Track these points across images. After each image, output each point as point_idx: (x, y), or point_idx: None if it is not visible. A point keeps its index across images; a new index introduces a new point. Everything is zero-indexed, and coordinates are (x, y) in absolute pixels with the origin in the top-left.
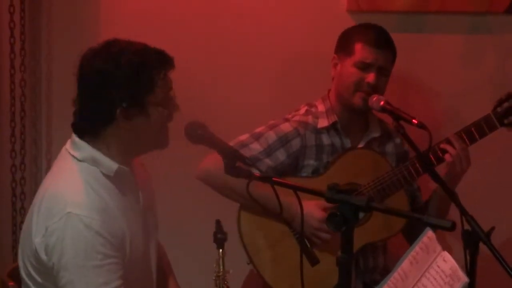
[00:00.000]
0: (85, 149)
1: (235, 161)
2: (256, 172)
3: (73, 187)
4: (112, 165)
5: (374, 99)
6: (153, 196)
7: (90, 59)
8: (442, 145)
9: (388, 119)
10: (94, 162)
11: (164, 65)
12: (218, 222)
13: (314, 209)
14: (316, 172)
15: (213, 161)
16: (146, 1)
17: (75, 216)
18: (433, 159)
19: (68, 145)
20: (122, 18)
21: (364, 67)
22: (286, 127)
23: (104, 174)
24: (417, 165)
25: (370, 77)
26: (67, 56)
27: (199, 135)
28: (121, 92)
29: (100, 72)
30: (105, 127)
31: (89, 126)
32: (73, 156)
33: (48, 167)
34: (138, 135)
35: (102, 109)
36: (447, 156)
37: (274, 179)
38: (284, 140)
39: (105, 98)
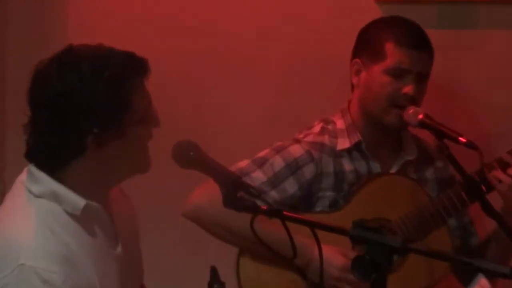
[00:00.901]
0: (44, 182)
1: (236, 191)
2: (262, 205)
3: (28, 231)
4: (78, 201)
5: (411, 111)
6: (137, 233)
7: (43, 77)
8: (494, 172)
9: (427, 136)
10: (55, 198)
11: (139, 71)
12: (213, 270)
13: (333, 255)
14: (334, 206)
15: (205, 194)
16: None
17: (30, 268)
18: (483, 187)
19: (23, 176)
20: (92, 16)
21: (399, 74)
22: (296, 150)
23: (68, 213)
24: (462, 193)
25: (409, 88)
26: (25, 62)
27: (190, 157)
28: (90, 116)
29: (59, 95)
30: (75, 158)
31: (50, 159)
32: (29, 190)
33: (1, 199)
34: (114, 162)
35: (68, 140)
36: (500, 186)
37: (285, 213)
38: (293, 167)
39: (71, 126)
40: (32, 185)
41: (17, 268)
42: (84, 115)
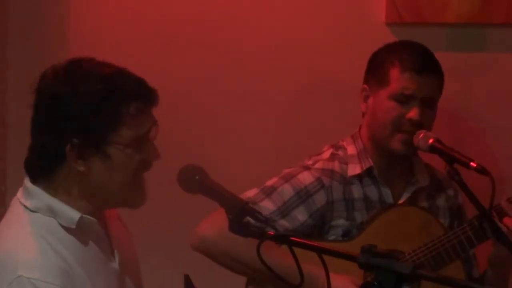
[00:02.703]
0: (39, 197)
1: (242, 216)
2: (269, 230)
3: (24, 244)
4: (72, 214)
5: (421, 136)
6: (137, 260)
7: (48, 80)
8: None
9: (437, 162)
10: (50, 212)
11: (138, 97)
12: (186, 278)
13: (345, 283)
14: (347, 235)
15: (211, 225)
16: (128, 9)
17: (27, 280)
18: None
19: (19, 194)
20: (93, 17)
21: (404, 99)
22: (306, 178)
23: (63, 227)
24: (478, 228)
25: (413, 113)
26: (27, 62)
27: (196, 182)
28: (73, 124)
29: (54, 97)
30: (56, 165)
31: (38, 163)
32: (24, 206)
33: (2, 202)
34: (100, 182)
35: (50, 142)
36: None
37: (292, 238)
38: (304, 195)
39: (55, 129)
40: (27, 200)
41: (14, 280)
42: (67, 122)
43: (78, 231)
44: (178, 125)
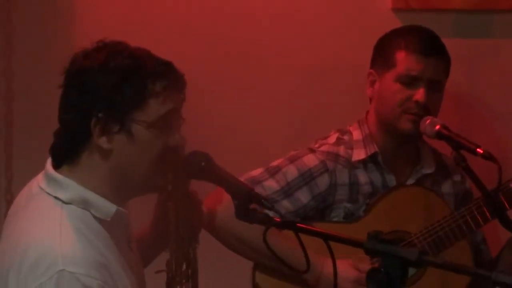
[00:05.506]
0: (72, 188)
1: (248, 203)
2: (275, 217)
3: (63, 237)
4: (109, 206)
5: (427, 122)
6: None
7: (77, 59)
8: None
9: (444, 148)
10: (84, 204)
11: (165, 76)
12: None
13: (346, 268)
14: (349, 217)
15: (217, 201)
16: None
17: (71, 275)
18: (504, 201)
19: (42, 183)
20: (99, 15)
21: (409, 81)
22: (311, 160)
23: (95, 218)
24: (484, 208)
25: (419, 94)
26: (33, 67)
27: (202, 168)
28: (99, 98)
29: (81, 74)
30: (81, 145)
31: (64, 145)
32: (54, 197)
33: (5, 198)
34: (124, 161)
35: (75, 120)
36: None
37: (298, 225)
38: (308, 177)
39: (81, 105)
40: (58, 191)
41: (56, 274)
42: (93, 96)
43: (110, 224)
44: (186, 109)
